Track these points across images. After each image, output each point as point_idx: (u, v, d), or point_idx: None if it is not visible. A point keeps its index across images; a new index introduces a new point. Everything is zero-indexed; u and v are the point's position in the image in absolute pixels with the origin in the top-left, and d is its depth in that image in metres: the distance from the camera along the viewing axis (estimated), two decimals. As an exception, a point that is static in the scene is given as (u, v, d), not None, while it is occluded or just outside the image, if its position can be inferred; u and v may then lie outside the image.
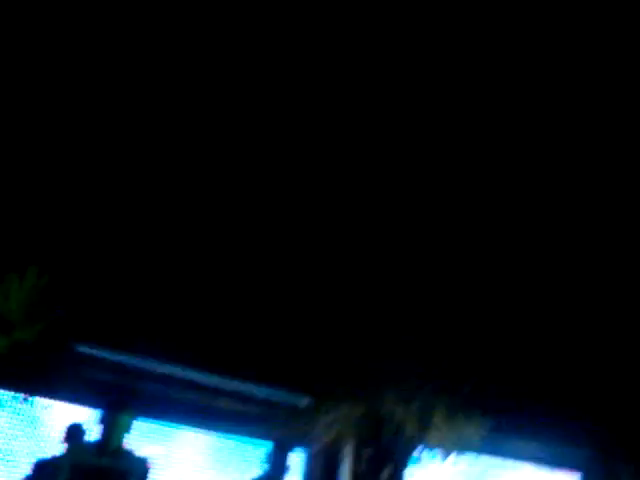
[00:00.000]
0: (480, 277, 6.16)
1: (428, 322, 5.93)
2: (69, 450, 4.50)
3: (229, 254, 5.95)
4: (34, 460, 4.60)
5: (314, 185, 6.08)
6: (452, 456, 6.78)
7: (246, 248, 5.98)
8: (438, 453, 6.74)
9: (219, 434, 6.85)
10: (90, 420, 5.38)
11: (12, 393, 5.84)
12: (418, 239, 6.07)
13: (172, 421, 6.67)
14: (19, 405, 5.87)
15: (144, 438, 6.27)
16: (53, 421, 5.96)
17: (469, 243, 6.19)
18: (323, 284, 6.02)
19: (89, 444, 4.49)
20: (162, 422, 6.63)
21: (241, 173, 6.04)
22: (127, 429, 4.39)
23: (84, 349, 5.83)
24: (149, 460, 4.45)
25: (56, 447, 5.12)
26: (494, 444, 6.97)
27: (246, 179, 6.06)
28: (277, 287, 6.14)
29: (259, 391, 6.61)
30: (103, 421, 4.33)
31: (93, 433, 4.75)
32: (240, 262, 5.97)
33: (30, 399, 5.87)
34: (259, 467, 5.64)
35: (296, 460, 6.60)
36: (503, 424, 6.45)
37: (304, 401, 6.56)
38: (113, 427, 4.29)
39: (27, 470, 4.67)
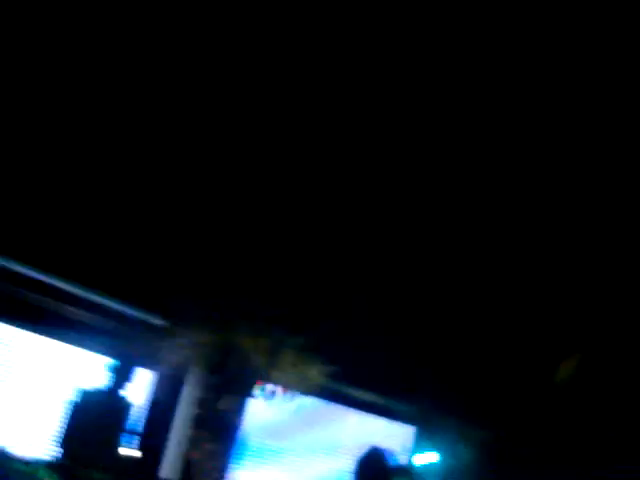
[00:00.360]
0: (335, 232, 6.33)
1: (286, 266, 6.05)
2: None
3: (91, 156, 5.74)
4: None
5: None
6: (293, 395, 7.06)
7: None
8: (280, 391, 7.00)
9: (67, 343, 6.73)
10: None
11: None
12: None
13: (17, 324, 6.46)
14: None
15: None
16: None
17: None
18: (191, 215, 5.96)
19: None
20: (6, 323, 6.41)
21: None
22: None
23: None
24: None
25: None
26: (335, 390, 7.32)
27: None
28: (146, 205, 6.01)
29: (112, 304, 6.52)
30: None
31: None
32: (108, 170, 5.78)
33: None
34: (103, 380, 5.62)
35: (142, 378, 6.64)
36: (345, 372, 6.77)
37: (157, 321, 6.55)
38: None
39: None
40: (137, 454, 6.29)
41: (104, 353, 6.68)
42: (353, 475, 3.55)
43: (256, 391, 6.84)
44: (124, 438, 5.86)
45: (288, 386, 6.87)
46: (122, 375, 5.84)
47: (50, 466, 5.04)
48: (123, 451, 5.90)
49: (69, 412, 5.37)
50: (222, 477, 6.88)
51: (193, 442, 6.79)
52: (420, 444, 8.45)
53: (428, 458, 8.17)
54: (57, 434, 5.38)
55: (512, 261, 7.08)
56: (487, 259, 7.01)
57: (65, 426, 5.33)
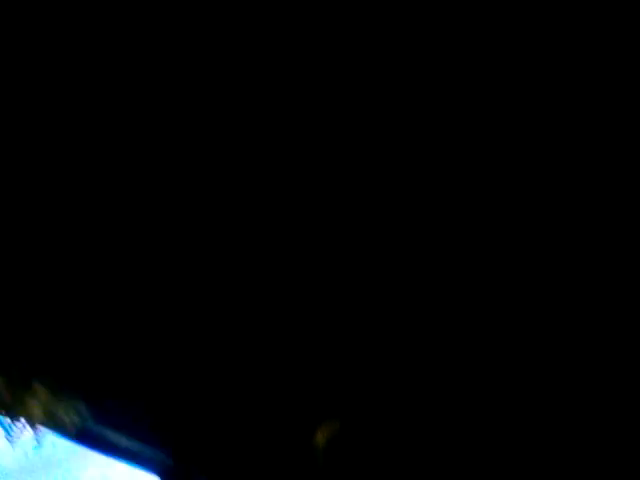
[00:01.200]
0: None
1: (44, 301, 6.24)
2: None
3: None
4: None
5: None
6: (40, 434, 7.11)
7: None
8: (26, 429, 7.01)
9: None
10: None
11: None
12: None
13: None
14: None
15: None
16: None
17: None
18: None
19: None
20: None
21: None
22: None
23: None
24: None
25: None
26: (86, 432, 7.49)
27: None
28: None
29: None
30: None
31: None
32: None
33: None
34: None
35: None
36: (96, 414, 7.02)
37: None
38: None
39: None
40: None
41: None
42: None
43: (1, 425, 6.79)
44: None
45: (35, 424, 6.93)
46: None
47: None
48: None
49: None
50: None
51: None
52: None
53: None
54: None
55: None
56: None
57: None
